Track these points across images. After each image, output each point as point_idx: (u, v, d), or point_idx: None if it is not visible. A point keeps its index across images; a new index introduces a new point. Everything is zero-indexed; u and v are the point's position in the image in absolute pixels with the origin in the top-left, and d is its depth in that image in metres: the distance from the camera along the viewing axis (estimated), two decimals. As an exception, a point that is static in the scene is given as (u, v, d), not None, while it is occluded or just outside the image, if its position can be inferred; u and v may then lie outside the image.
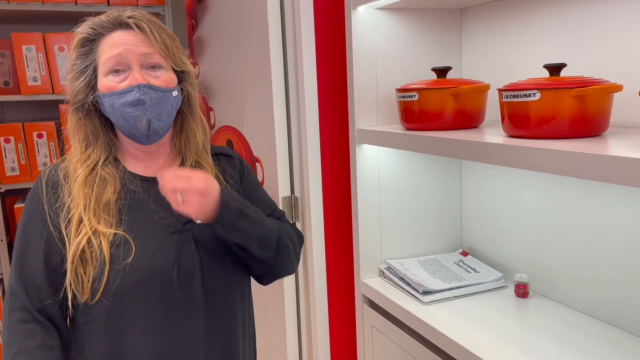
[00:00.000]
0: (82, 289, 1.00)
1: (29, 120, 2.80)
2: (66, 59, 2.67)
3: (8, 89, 2.72)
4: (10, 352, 1.00)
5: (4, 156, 2.62)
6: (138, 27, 1.04)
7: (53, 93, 2.67)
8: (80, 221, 1.01)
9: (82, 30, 1.06)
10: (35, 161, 2.66)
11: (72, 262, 0.99)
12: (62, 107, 2.69)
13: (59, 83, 2.67)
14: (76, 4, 2.63)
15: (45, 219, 1.03)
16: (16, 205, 2.70)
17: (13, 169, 2.64)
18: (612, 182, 0.79)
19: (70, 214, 1.02)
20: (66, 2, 2.63)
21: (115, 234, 1.02)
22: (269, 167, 1.76)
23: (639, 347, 1.07)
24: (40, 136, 2.67)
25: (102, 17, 1.06)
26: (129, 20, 1.04)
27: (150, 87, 1.02)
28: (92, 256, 0.99)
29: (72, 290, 1.00)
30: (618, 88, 0.93)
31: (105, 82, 1.03)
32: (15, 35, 2.59)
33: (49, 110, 2.93)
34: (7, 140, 2.61)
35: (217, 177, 1.16)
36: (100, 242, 1.00)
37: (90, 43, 1.06)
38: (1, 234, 2.65)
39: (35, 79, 2.64)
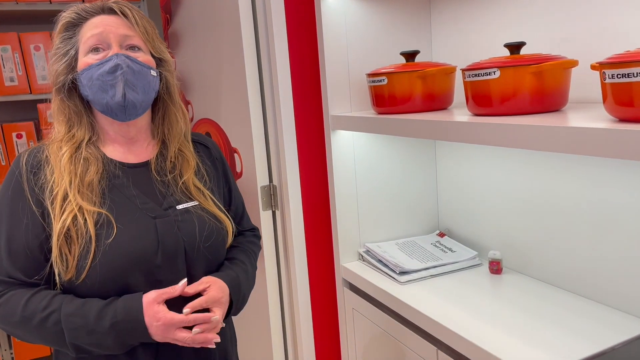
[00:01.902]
0: (67, 267, 1.00)
1: (8, 121, 2.79)
2: (42, 59, 2.66)
3: (-15, 90, 2.71)
4: (17, 312, 0.99)
5: (-17, 158, 2.60)
6: (121, 12, 1.09)
7: (31, 93, 2.66)
8: (65, 197, 1.02)
9: (67, 14, 1.10)
10: (16, 162, 2.65)
11: (58, 239, 1.00)
12: (41, 106, 2.68)
13: (36, 83, 2.66)
14: (50, 3, 2.62)
15: (27, 199, 1.03)
16: (-2, 207, 2.69)
17: (-7, 171, 2.63)
18: (570, 153, 0.82)
19: (55, 190, 1.03)
20: (40, 1, 2.61)
21: (99, 213, 1.03)
22: (246, 157, 1.78)
23: (609, 315, 1.10)
24: (19, 136, 2.66)
25: (87, 4, 1.10)
26: (113, 5, 1.09)
27: (128, 56, 1.05)
28: (77, 234, 1.00)
29: (58, 268, 1.01)
30: (573, 63, 0.96)
31: (85, 60, 1.06)
32: (-11, 36, 2.57)
33: (28, 110, 2.91)
34: (-14, 142, 2.59)
35: (197, 166, 1.19)
36: (85, 220, 1.01)
37: (73, 27, 1.09)
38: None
39: (12, 79, 2.62)
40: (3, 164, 2.64)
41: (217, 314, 1.04)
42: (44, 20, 2.85)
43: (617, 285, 1.11)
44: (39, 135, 2.72)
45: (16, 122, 2.68)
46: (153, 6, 2.85)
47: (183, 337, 1.00)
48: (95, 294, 1.02)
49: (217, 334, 1.06)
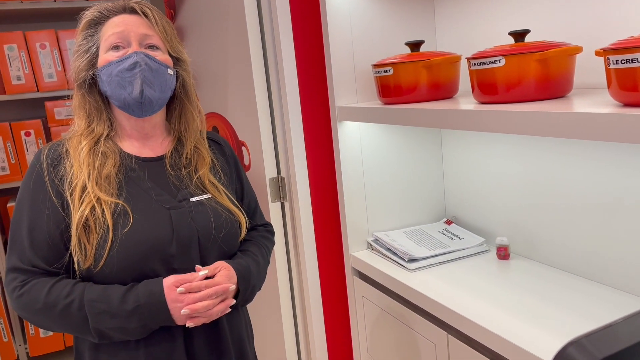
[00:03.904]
0: (86, 256, 1.04)
1: (16, 120, 2.82)
2: (48, 57, 2.68)
3: (-8, 89, 2.73)
4: (40, 299, 1.02)
5: (-7, 156, 2.63)
6: (142, 12, 1.12)
7: (38, 91, 2.68)
8: (84, 189, 1.06)
9: (90, 13, 1.14)
10: (25, 159, 2.68)
11: (77, 229, 1.03)
12: (48, 104, 2.71)
13: (43, 81, 2.69)
14: (55, 1, 2.63)
15: (48, 190, 1.06)
16: (8, 205, 2.72)
17: (3, 169, 2.66)
18: (576, 138, 0.83)
19: (74, 182, 1.07)
20: (45, -1, 2.63)
21: (116, 203, 1.06)
22: (254, 150, 1.80)
23: (618, 298, 1.12)
24: (28, 134, 2.69)
25: (109, 3, 1.14)
26: (135, 5, 1.13)
27: (146, 55, 1.09)
28: (95, 224, 1.04)
29: (77, 256, 1.04)
30: (578, 50, 0.97)
31: (105, 57, 1.10)
32: (-5, 36, 2.59)
33: (35, 108, 2.94)
34: (-5, 140, 2.62)
35: (211, 162, 1.22)
36: (103, 210, 1.04)
37: (95, 25, 1.13)
38: (-4, 234, 2.68)
39: (19, 78, 2.65)
40: (13, 162, 2.67)
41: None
42: (49, 18, 2.87)
43: (625, 268, 1.13)
44: (47, 132, 2.75)
45: (24, 120, 2.71)
46: (157, 2, 2.87)
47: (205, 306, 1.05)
48: (113, 282, 1.05)
49: (233, 321, 1.10)
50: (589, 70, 1.13)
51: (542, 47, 0.98)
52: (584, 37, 1.13)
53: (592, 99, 0.96)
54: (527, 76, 0.99)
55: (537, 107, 0.92)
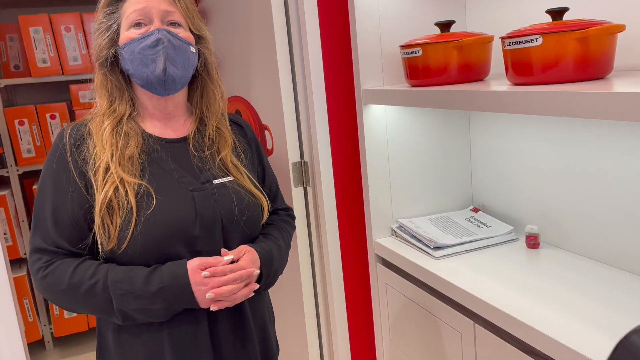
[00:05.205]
0: (109, 237, 1.03)
1: (41, 102, 2.84)
2: (73, 40, 2.69)
3: (19, 72, 2.76)
4: (64, 280, 1.01)
5: (19, 138, 2.67)
6: None
7: (63, 74, 2.70)
8: (107, 170, 1.05)
9: None
10: (50, 142, 2.70)
11: (100, 210, 1.03)
12: (73, 87, 2.72)
13: (67, 64, 2.70)
14: (79, -16, 2.64)
15: (71, 171, 1.06)
16: (34, 187, 2.76)
17: (29, 151, 2.69)
18: (618, 119, 0.79)
19: (98, 163, 1.06)
20: (70, -18, 2.64)
21: (139, 184, 1.05)
22: (277, 134, 1.77)
23: (650, 289, 1.08)
24: (53, 117, 2.71)
25: None
26: None
27: (169, 32, 1.07)
28: (119, 205, 1.03)
29: (100, 237, 1.04)
30: (620, 28, 0.92)
31: (127, 34, 1.08)
32: (22, 18, 2.61)
33: (60, 91, 2.96)
34: (21, 123, 2.65)
35: (233, 143, 1.20)
36: (127, 191, 1.04)
37: (116, 3, 1.11)
38: (22, 215, 2.71)
39: (44, 61, 2.66)
40: (38, 144, 2.70)
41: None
42: (74, 1, 2.88)
43: (661, 259, 1.09)
44: (72, 115, 2.77)
45: (49, 103, 2.73)
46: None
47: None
48: (136, 263, 1.04)
49: (256, 306, 1.09)
50: (630, 50, 1.08)
51: (582, 25, 0.93)
52: (627, 16, 1.07)
53: (634, 80, 0.91)
54: (565, 56, 0.94)
55: (576, 88, 0.87)
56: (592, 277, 1.15)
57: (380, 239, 1.53)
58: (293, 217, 1.35)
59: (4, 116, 2.63)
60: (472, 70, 1.24)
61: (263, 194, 1.19)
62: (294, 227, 1.34)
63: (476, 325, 1.15)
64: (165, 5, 1.08)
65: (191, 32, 1.12)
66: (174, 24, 1.09)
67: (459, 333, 1.21)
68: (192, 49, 1.10)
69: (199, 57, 1.14)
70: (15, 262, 2.74)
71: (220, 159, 1.16)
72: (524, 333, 1.00)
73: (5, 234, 2.59)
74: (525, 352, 1.02)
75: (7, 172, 2.67)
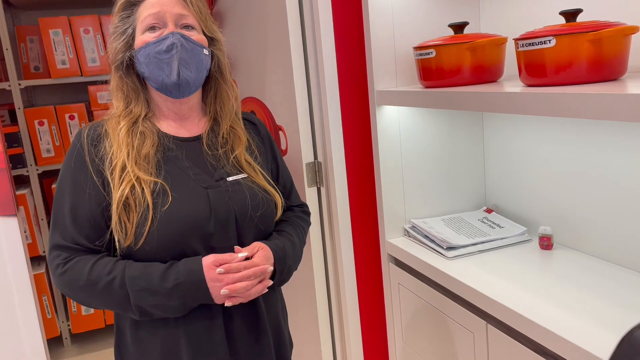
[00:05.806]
0: (126, 234, 1.06)
1: (60, 103, 2.89)
2: (92, 42, 2.74)
3: (38, 73, 2.81)
4: (83, 276, 1.04)
5: (38, 138, 2.72)
6: None
7: (82, 75, 2.74)
8: (124, 168, 1.08)
9: None
10: (69, 142, 2.75)
11: (117, 207, 1.05)
12: (91, 88, 2.77)
13: (86, 65, 2.75)
14: (98, -14, 2.69)
15: (89, 169, 1.09)
16: (53, 186, 2.81)
17: (48, 151, 2.74)
18: (632, 121, 0.79)
19: (114, 162, 1.09)
20: (88, -15, 2.68)
21: (155, 182, 1.08)
22: (291, 135, 1.79)
23: (664, 290, 1.07)
24: (72, 118, 2.76)
25: None
26: None
27: (182, 35, 1.09)
28: (135, 203, 1.06)
29: (117, 235, 1.06)
30: (634, 29, 0.92)
31: (142, 38, 1.10)
32: (42, 21, 2.66)
33: (79, 92, 3.02)
34: (40, 123, 2.71)
35: (247, 142, 1.22)
36: (143, 189, 1.06)
37: (131, 7, 1.13)
38: (41, 213, 2.77)
39: (64, 62, 2.71)
40: (57, 144, 2.75)
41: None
42: (92, 4, 2.93)
43: (676, 261, 1.08)
44: (90, 116, 2.81)
45: (68, 104, 2.78)
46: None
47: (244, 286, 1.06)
48: (153, 259, 1.06)
49: (270, 302, 1.11)
50: (644, 52, 1.08)
51: (596, 27, 0.93)
52: (632, 18, 1.07)
53: (649, 81, 0.91)
54: (578, 57, 0.94)
55: (589, 90, 0.88)
56: (606, 278, 1.15)
57: (393, 239, 1.53)
58: (308, 214, 1.37)
59: (24, 116, 2.68)
60: (485, 72, 1.24)
61: (277, 191, 1.21)
62: (309, 223, 1.36)
63: (489, 325, 1.15)
64: (179, 9, 1.10)
65: (204, 34, 1.15)
66: (187, 26, 1.11)
67: (472, 333, 1.21)
68: (205, 51, 1.13)
69: (212, 59, 1.17)
70: (34, 260, 2.79)
71: (234, 157, 1.18)
72: (537, 333, 1.00)
73: (25, 232, 2.64)
74: (537, 353, 1.02)
75: (27, 171, 2.73)
